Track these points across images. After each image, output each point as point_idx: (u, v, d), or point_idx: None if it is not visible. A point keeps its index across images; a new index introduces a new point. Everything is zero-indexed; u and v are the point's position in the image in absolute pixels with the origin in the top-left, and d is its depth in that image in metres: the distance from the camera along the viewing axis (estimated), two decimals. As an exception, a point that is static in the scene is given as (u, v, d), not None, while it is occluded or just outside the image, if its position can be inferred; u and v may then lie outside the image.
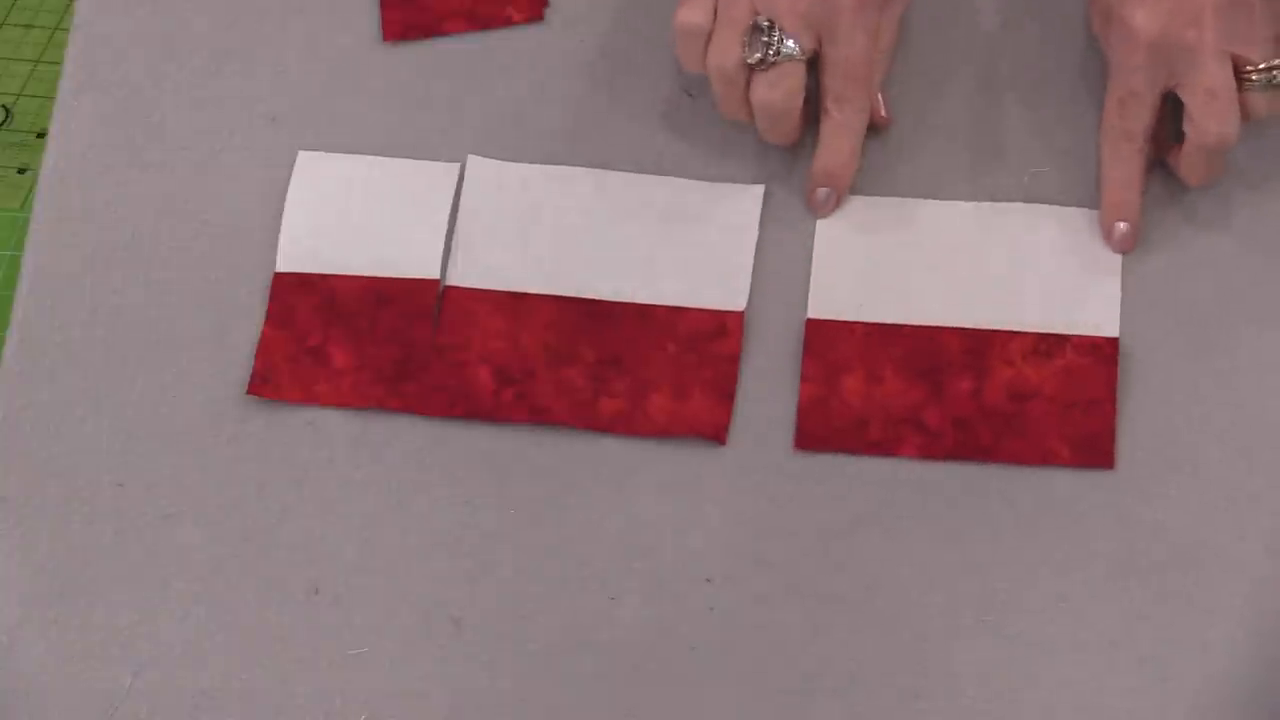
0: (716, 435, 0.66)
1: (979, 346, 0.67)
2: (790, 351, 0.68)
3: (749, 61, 0.67)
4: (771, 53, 0.66)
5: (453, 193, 0.72)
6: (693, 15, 0.68)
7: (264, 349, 0.69)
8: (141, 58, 0.76)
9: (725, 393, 0.67)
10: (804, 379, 0.67)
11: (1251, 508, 0.64)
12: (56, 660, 0.64)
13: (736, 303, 0.69)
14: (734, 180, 0.71)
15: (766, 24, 0.66)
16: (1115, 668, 0.62)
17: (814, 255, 0.70)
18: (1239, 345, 0.67)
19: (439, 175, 0.72)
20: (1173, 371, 0.67)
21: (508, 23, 0.76)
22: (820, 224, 0.70)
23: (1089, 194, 0.70)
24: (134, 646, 0.64)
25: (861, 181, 0.71)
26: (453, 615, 0.64)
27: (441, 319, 0.69)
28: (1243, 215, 0.70)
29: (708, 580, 0.64)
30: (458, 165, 0.72)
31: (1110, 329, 0.67)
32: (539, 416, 0.67)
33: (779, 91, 0.67)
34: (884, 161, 0.72)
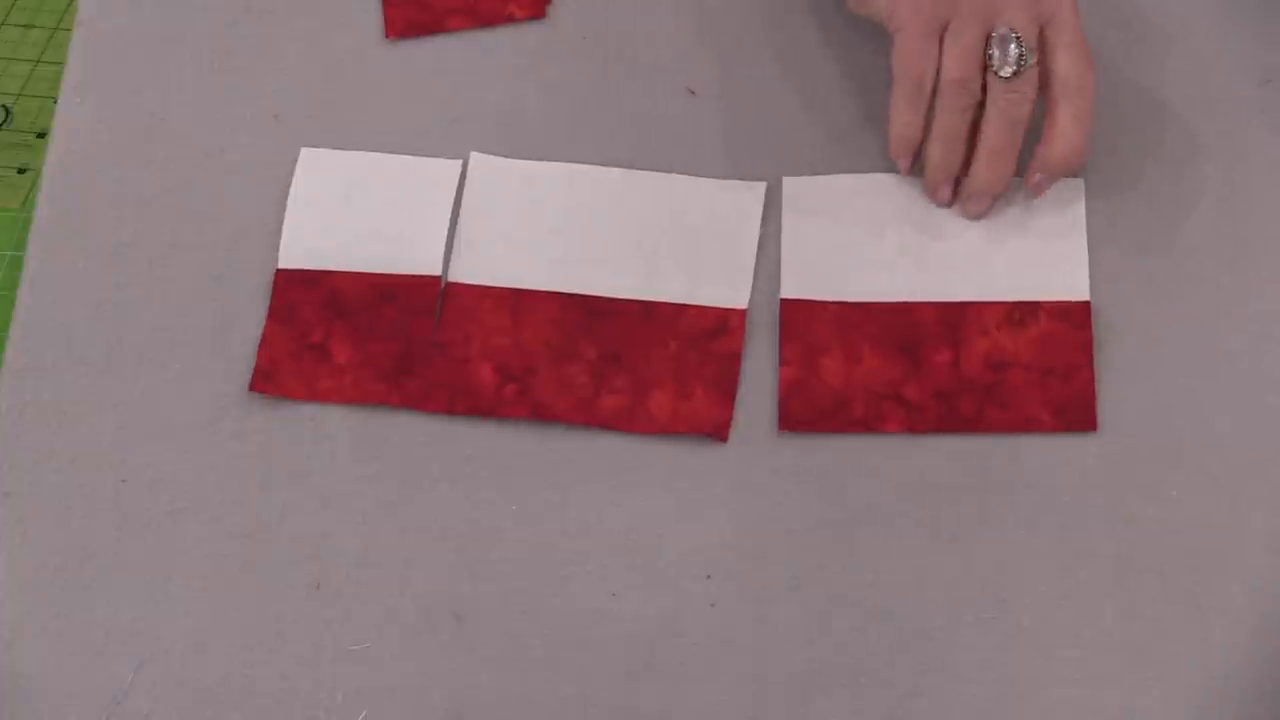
0: (718, 433, 0.67)
1: (953, 318, 0.68)
2: (792, 347, 0.68)
3: (1003, 75, 0.66)
4: (1025, 63, 0.66)
5: (455, 189, 0.72)
6: (923, 62, 0.67)
7: (266, 345, 0.69)
8: (144, 55, 0.76)
9: (727, 390, 0.67)
10: (783, 362, 0.67)
11: (1251, 506, 0.64)
12: (58, 655, 0.64)
13: (738, 300, 0.69)
14: (735, 178, 0.72)
15: (1014, 34, 0.66)
16: (1115, 665, 0.62)
17: (782, 234, 0.70)
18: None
19: (441, 172, 0.72)
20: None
21: (510, 20, 0.76)
22: (787, 202, 0.71)
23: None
24: (136, 642, 0.64)
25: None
26: (454, 611, 0.64)
27: (443, 315, 0.69)
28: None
29: (708, 577, 0.64)
30: (460, 162, 0.73)
31: (1081, 293, 0.67)
32: (540, 413, 0.67)
33: (1030, 97, 0.67)
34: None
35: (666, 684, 0.63)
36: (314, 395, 0.68)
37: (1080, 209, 0.70)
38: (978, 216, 0.69)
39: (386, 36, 0.76)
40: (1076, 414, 0.66)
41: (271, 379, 0.69)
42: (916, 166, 0.70)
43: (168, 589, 0.65)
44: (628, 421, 0.67)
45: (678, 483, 0.66)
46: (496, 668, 0.63)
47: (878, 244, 0.69)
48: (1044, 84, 0.67)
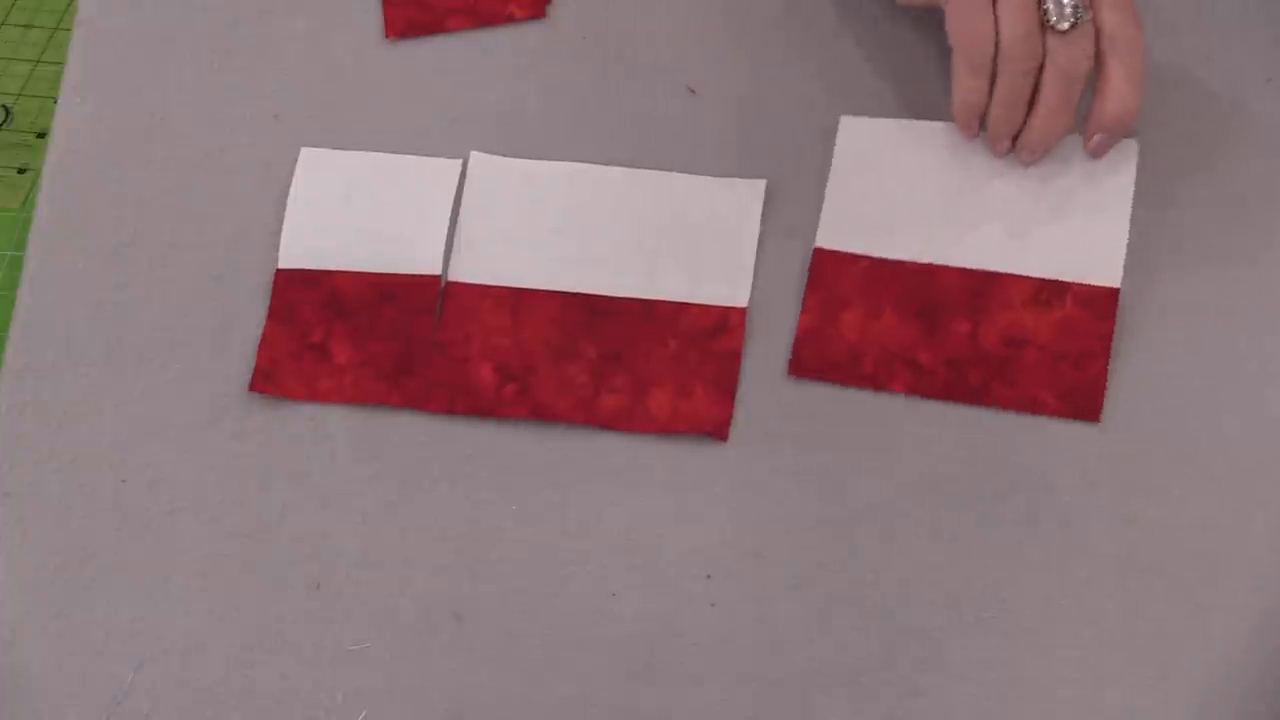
0: (718, 432, 0.67)
1: (979, 288, 0.68)
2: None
3: (1060, 29, 0.66)
4: (1083, 15, 0.65)
5: (455, 189, 0.72)
6: (977, 17, 0.67)
7: (266, 345, 0.69)
8: (144, 55, 0.76)
9: (727, 389, 0.67)
10: (804, 309, 0.68)
11: (1253, 506, 0.64)
12: (58, 655, 0.64)
13: (738, 298, 0.69)
14: (735, 175, 0.72)
15: None
16: (1116, 665, 0.62)
17: (829, 182, 0.70)
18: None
19: (441, 171, 0.72)
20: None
21: (509, 19, 0.76)
22: (840, 144, 0.71)
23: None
24: (135, 642, 0.64)
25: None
26: (454, 611, 0.64)
27: (443, 315, 0.69)
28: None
29: (708, 576, 0.64)
30: (460, 161, 0.73)
31: (1113, 279, 0.67)
32: (540, 413, 0.67)
33: (1087, 51, 0.66)
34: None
35: (666, 684, 0.63)
36: (314, 395, 0.68)
37: (1128, 190, 0.69)
38: (1030, 164, 0.70)
39: (386, 36, 0.76)
40: (1082, 401, 0.66)
41: (271, 379, 0.69)
42: (981, 130, 0.70)
43: (168, 589, 0.65)
44: (627, 421, 0.67)
45: (678, 483, 0.66)
46: (496, 668, 0.63)
47: (919, 202, 0.70)
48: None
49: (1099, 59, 0.67)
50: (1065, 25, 0.65)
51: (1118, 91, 0.67)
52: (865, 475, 0.66)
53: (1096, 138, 0.68)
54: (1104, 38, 0.66)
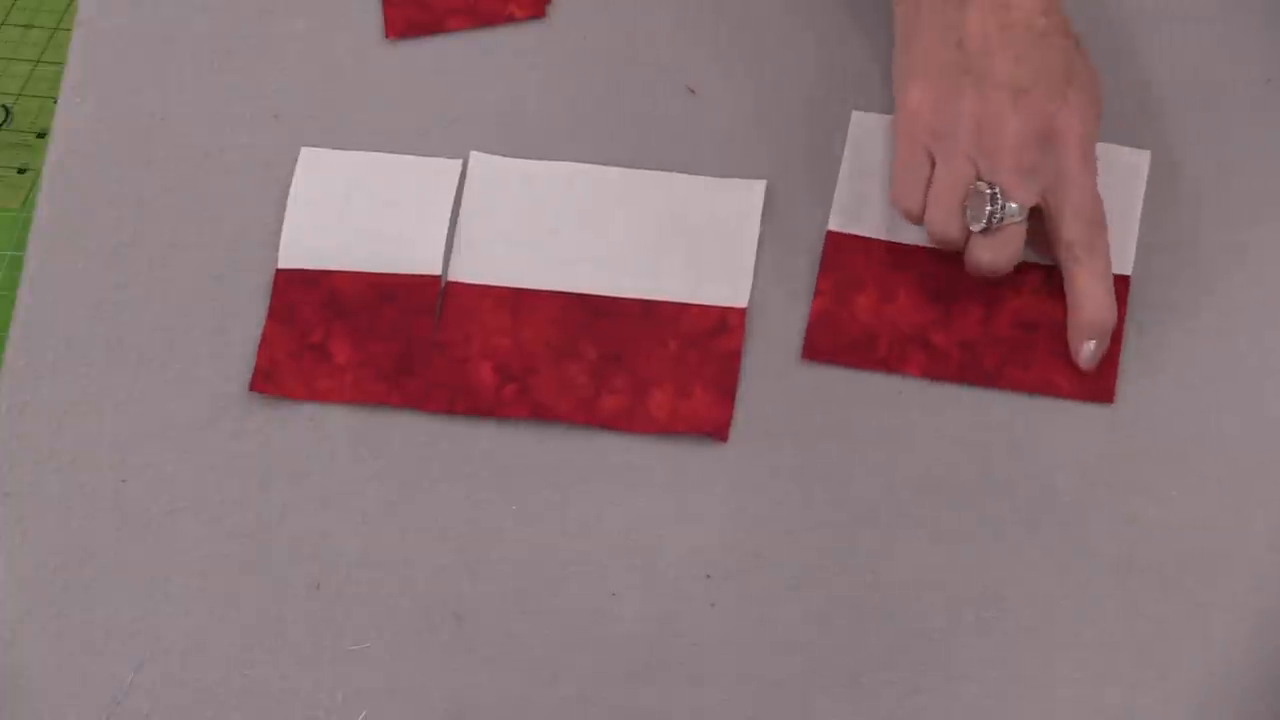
0: (718, 432, 0.67)
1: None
2: (793, 347, 0.68)
3: (972, 229, 0.65)
4: (996, 219, 0.64)
5: (455, 189, 0.72)
6: (908, 191, 0.67)
7: (266, 345, 0.69)
8: (144, 54, 0.76)
9: (727, 389, 0.67)
10: (817, 293, 0.68)
11: (1253, 505, 0.64)
12: (58, 655, 0.64)
13: (738, 299, 0.69)
14: (735, 176, 0.72)
15: (989, 191, 0.64)
16: (1116, 665, 0.62)
17: (841, 168, 0.71)
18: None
19: (441, 171, 0.72)
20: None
21: (510, 19, 0.76)
22: (851, 136, 0.71)
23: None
24: (135, 642, 0.64)
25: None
26: (454, 611, 0.64)
27: (443, 315, 0.69)
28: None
29: (708, 576, 0.64)
30: (460, 161, 0.73)
31: (1123, 266, 0.68)
32: (540, 413, 0.67)
33: (1004, 255, 0.65)
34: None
35: (666, 684, 0.63)
36: (314, 395, 0.68)
37: (1140, 183, 0.69)
38: None
39: (386, 36, 0.76)
40: (1095, 384, 0.66)
41: (271, 379, 0.69)
42: None
43: (168, 589, 0.65)
44: (628, 421, 0.67)
45: (678, 483, 0.66)
46: (496, 668, 0.63)
47: None
48: (1053, 240, 0.66)
49: (1061, 264, 0.66)
50: (977, 228, 0.65)
51: (1089, 295, 0.65)
52: (866, 473, 0.66)
53: (1084, 349, 0.66)
54: (1063, 245, 0.65)
